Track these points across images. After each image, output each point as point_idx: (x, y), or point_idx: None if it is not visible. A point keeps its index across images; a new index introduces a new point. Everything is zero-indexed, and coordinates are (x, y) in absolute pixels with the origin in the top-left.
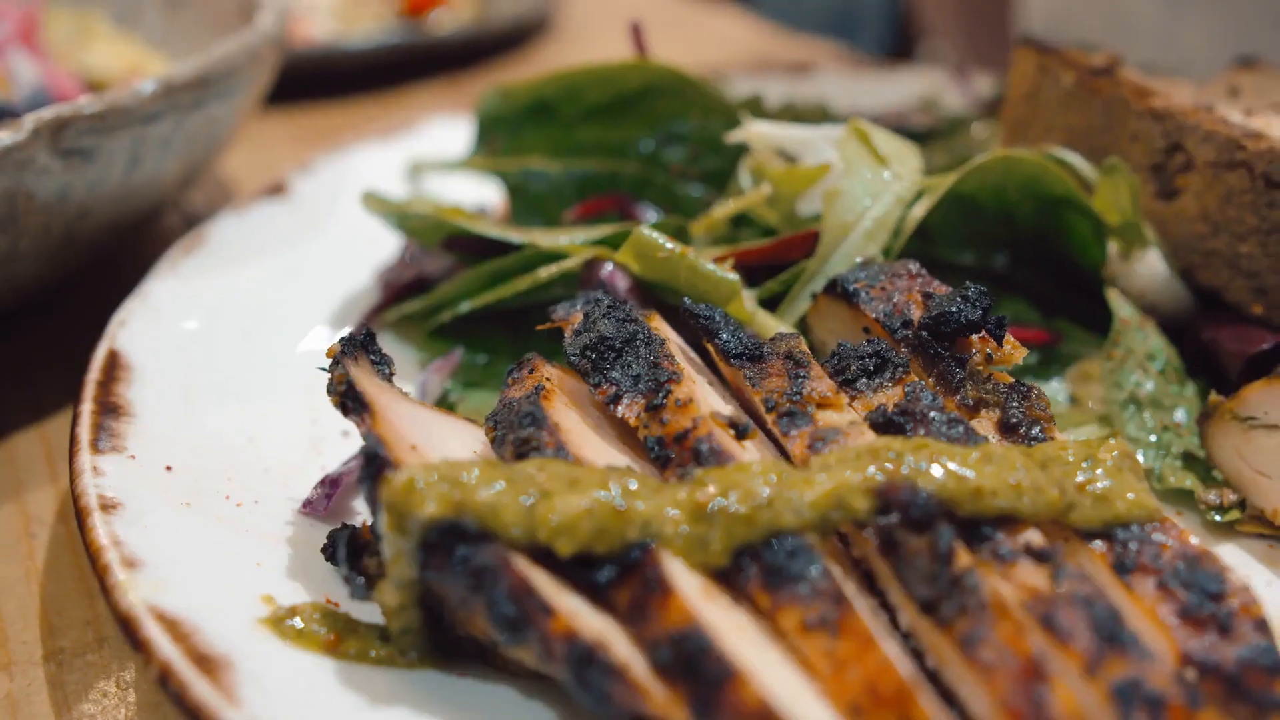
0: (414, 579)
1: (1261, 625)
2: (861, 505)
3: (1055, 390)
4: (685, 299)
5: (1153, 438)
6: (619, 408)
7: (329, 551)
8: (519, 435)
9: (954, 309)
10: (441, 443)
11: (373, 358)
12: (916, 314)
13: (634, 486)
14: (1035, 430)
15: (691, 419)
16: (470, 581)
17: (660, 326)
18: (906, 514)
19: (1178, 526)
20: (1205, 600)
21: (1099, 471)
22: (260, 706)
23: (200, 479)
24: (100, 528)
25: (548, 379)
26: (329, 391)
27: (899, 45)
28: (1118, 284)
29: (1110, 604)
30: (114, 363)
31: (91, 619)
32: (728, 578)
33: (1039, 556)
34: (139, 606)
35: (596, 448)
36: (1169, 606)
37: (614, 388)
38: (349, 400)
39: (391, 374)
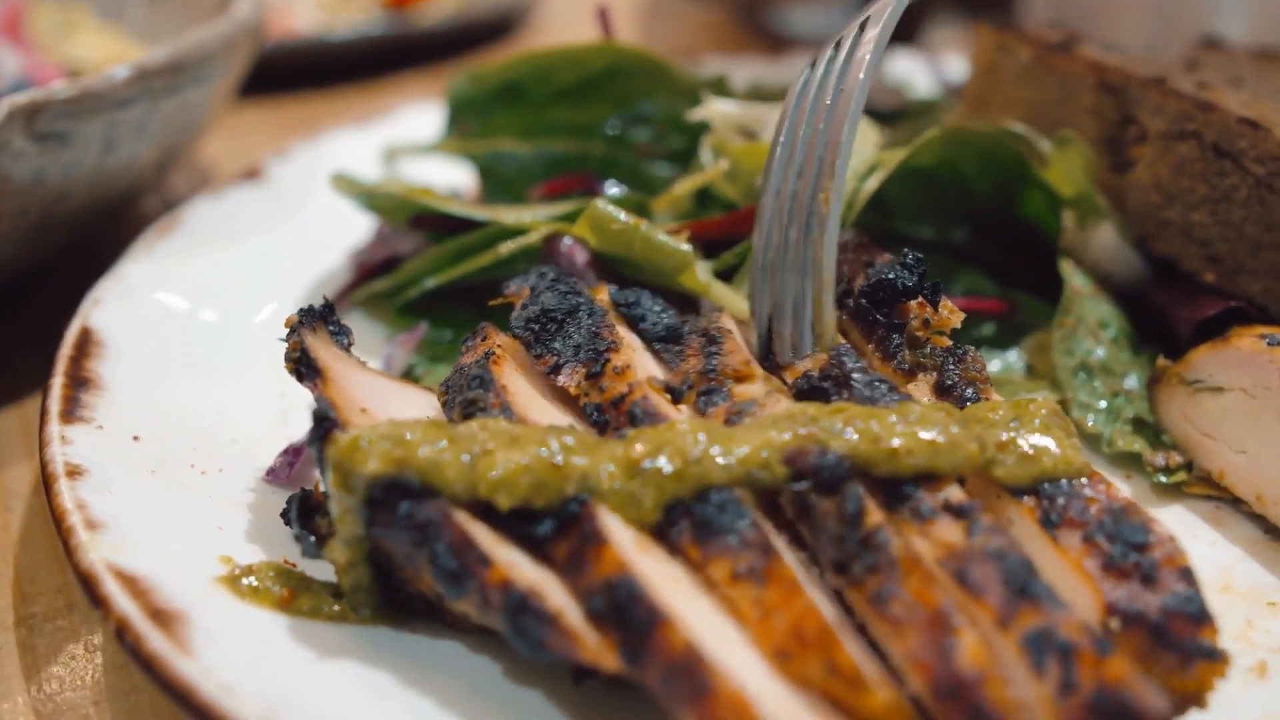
0: (361, 535)
1: (1186, 574)
2: (776, 471)
3: (1012, 360)
4: (611, 287)
5: (1102, 403)
6: (560, 377)
7: (286, 515)
8: (467, 397)
9: (890, 275)
10: (393, 408)
11: (331, 328)
12: (858, 283)
13: (571, 443)
14: (970, 392)
15: (628, 384)
16: (414, 536)
17: (605, 299)
18: (816, 477)
19: (1105, 481)
20: (1130, 551)
21: (1027, 428)
22: (213, 658)
23: (167, 449)
24: (65, 493)
25: (499, 346)
26: (286, 359)
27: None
28: (1074, 255)
29: (1022, 557)
30: (86, 339)
31: (62, 586)
32: (662, 533)
33: (957, 513)
34: (99, 565)
35: (542, 410)
36: (1095, 559)
37: (555, 357)
38: (302, 366)
39: (350, 344)
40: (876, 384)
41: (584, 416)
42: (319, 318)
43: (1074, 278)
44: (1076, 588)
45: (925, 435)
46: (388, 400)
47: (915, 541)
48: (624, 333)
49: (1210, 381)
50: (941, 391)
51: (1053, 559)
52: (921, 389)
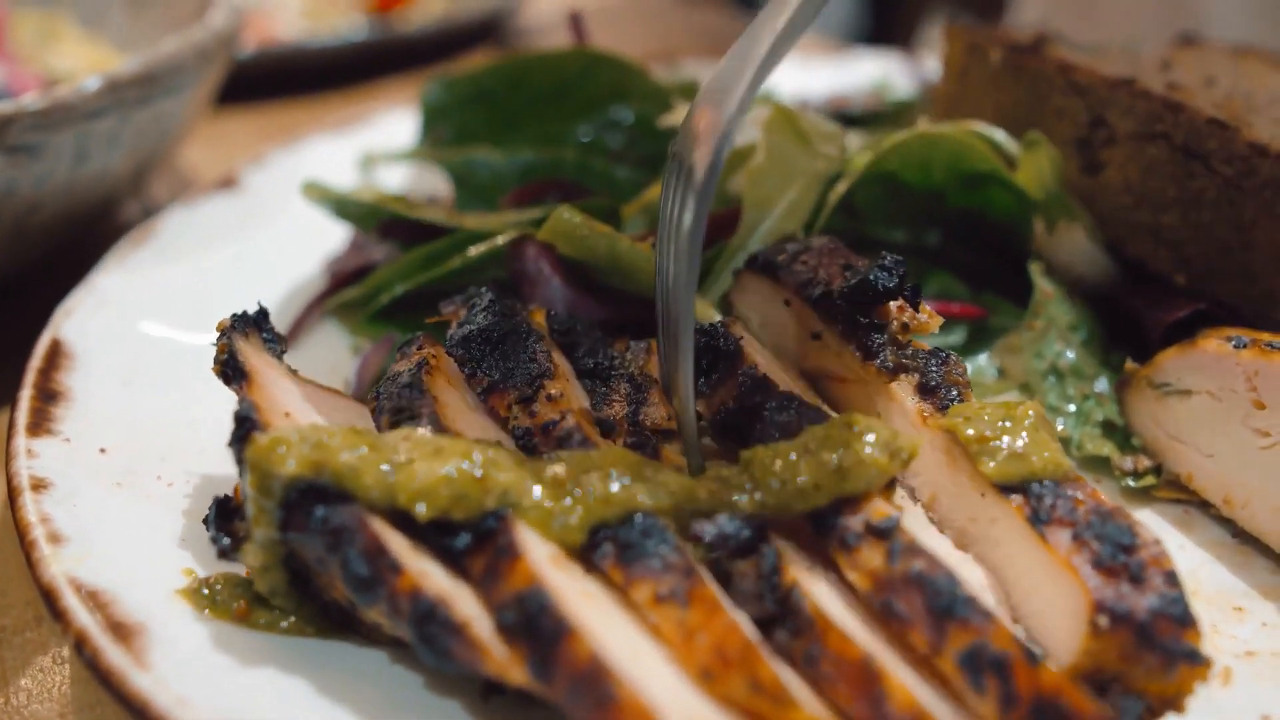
0: (276, 539)
1: (1171, 577)
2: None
3: (983, 363)
4: (551, 312)
5: (1072, 407)
6: (492, 398)
7: (207, 520)
8: (397, 405)
9: (871, 277)
10: (320, 416)
11: (265, 335)
12: (837, 285)
13: (496, 457)
14: (953, 393)
15: (560, 412)
16: (327, 541)
17: (542, 323)
18: (725, 547)
19: (1089, 484)
20: (1118, 552)
21: (1017, 429)
22: (169, 670)
23: (134, 460)
24: (30, 506)
25: (433, 356)
26: (215, 361)
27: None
28: (1045, 257)
29: (945, 573)
30: (56, 351)
31: (31, 599)
32: (585, 554)
33: (879, 534)
34: (60, 578)
35: (471, 425)
36: (1083, 557)
37: (489, 378)
38: (228, 369)
39: (283, 352)
40: (787, 408)
41: (514, 436)
42: (252, 324)
43: (1044, 280)
44: (1065, 585)
45: (829, 459)
46: (316, 407)
47: (829, 591)
48: (559, 359)
49: (1178, 385)
50: (925, 392)
51: (1041, 556)
52: (905, 389)
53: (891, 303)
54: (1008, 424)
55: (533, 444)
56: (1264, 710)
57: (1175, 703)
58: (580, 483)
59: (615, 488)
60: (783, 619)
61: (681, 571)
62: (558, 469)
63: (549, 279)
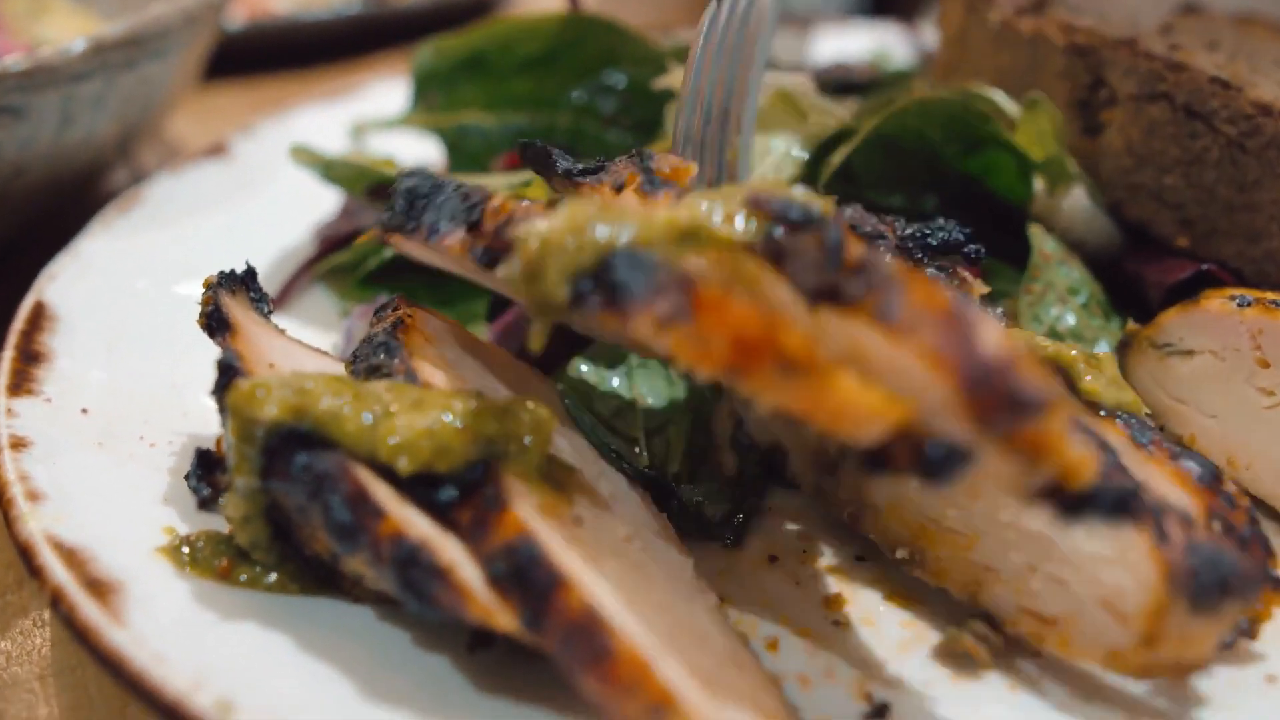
0: (257, 488)
1: (1251, 510)
2: (735, 226)
3: None
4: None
5: None
6: (443, 241)
7: (189, 475)
8: (372, 363)
9: (941, 225)
10: (303, 369)
11: (252, 294)
12: (894, 231)
13: (476, 407)
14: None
15: (508, 212)
16: (309, 488)
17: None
18: (787, 219)
19: None
20: (1210, 478)
21: (1108, 369)
22: (147, 628)
23: (116, 421)
24: (8, 464)
25: (408, 315)
26: (200, 314)
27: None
28: (1045, 220)
29: None
30: (39, 313)
31: (11, 562)
32: (574, 305)
33: None
34: (37, 535)
35: (448, 381)
36: (1185, 476)
37: (430, 227)
38: (213, 321)
39: (270, 312)
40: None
41: (493, 384)
42: (239, 282)
43: (1043, 243)
44: (1178, 494)
45: None
46: (299, 363)
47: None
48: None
49: (1180, 345)
50: None
51: (1152, 469)
52: None
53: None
54: (1094, 363)
55: (493, 254)
56: (1269, 671)
57: (1252, 629)
58: (577, 221)
59: (589, 236)
60: (854, 277)
61: (677, 285)
62: (524, 247)
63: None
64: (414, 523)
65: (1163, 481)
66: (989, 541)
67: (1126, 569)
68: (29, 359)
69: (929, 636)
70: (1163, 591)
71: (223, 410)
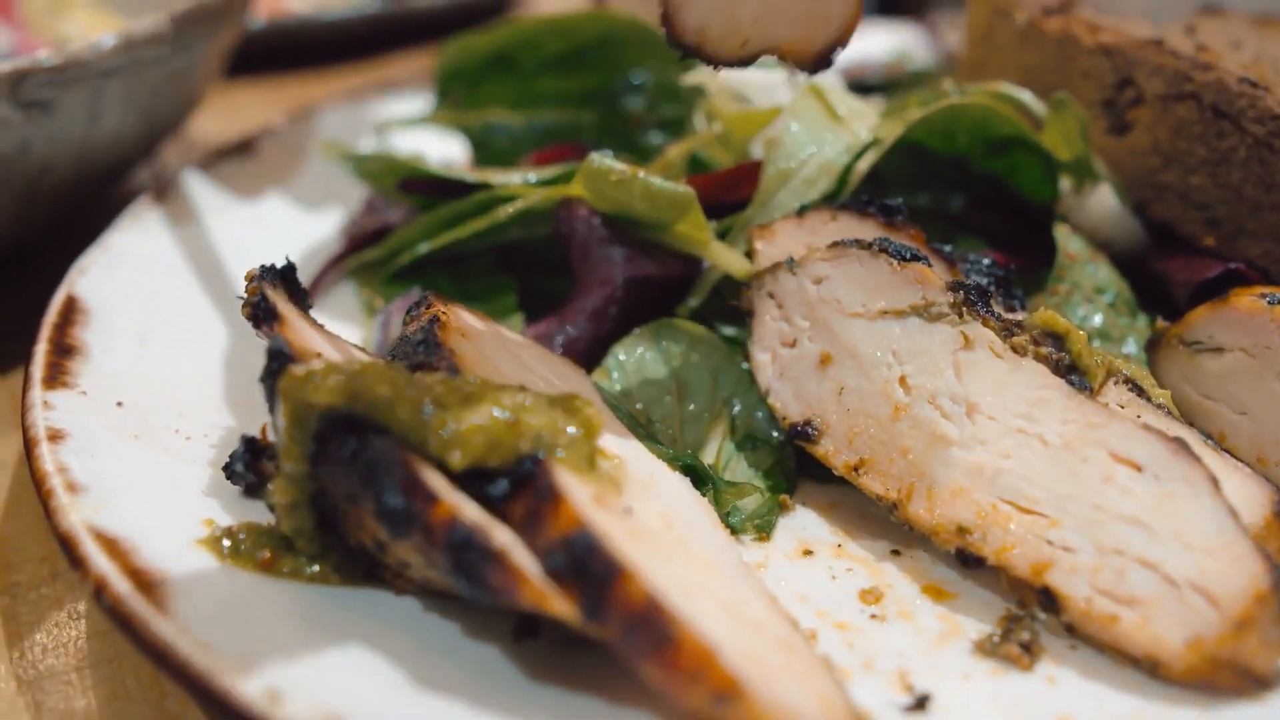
0: (305, 473)
1: None
2: None
3: None
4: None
5: None
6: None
7: (228, 468)
8: (414, 362)
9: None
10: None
11: (291, 288)
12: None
13: (526, 401)
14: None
15: None
16: (361, 474)
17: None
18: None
19: None
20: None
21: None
22: (191, 616)
23: (151, 414)
24: (47, 456)
25: (444, 312)
26: (244, 304)
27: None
28: (1071, 220)
29: None
30: (71, 307)
31: (47, 555)
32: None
33: None
34: (79, 526)
35: (491, 374)
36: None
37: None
38: (260, 310)
39: (310, 306)
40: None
41: (534, 382)
42: (280, 276)
43: (1069, 243)
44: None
45: None
46: (341, 356)
47: None
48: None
49: (1210, 343)
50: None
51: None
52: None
53: None
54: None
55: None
56: None
57: None
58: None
59: None
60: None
61: None
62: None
63: (603, 238)
64: (466, 508)
65: (1239, 478)
66: (1074, 522)
67: (1232, 558)
68: (63, 352)
69: (967, 629)
70: (1266, 579)
71: (272, 397)
